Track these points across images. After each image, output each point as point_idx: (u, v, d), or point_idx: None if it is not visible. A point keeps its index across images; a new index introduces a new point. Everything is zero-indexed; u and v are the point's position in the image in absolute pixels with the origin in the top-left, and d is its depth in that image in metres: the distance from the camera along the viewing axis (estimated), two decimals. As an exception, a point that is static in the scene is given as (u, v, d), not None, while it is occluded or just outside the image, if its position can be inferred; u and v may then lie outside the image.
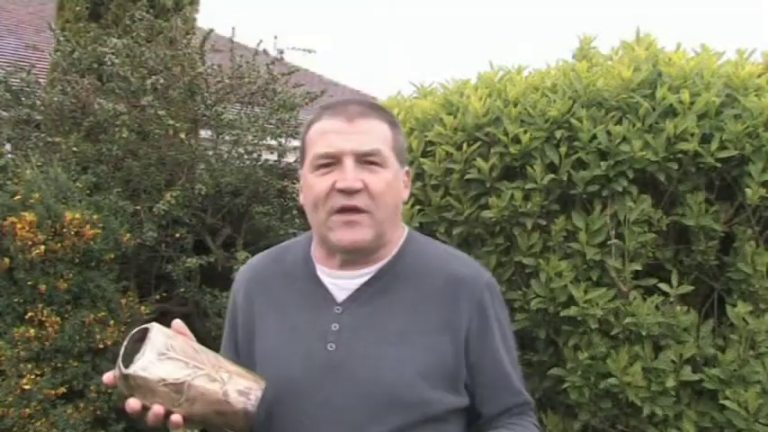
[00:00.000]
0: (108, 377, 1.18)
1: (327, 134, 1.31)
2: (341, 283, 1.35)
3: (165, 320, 1.28)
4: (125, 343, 1.18)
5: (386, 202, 1.31)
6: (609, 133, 2.39)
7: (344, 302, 1.33)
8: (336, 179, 1.28)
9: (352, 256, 1.34)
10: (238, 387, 1.18)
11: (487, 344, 1.34)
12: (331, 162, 1.29)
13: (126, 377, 1.13)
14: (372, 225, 1.30)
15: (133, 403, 1.15)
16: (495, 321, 1.36)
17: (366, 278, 1.35)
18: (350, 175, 1.27)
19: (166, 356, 1.14)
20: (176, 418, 1.15)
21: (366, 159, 1.29)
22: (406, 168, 1.41)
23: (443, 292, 1.32)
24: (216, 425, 1.20)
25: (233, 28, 5.82)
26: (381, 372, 1.27)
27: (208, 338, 5.08)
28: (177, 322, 1.23)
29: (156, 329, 1.17)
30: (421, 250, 1.39)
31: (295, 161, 5.90)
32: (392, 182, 1.32)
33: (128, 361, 1.14)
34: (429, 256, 1.38)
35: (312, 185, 1.31)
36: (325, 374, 1.29)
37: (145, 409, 1.15)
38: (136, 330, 1.19)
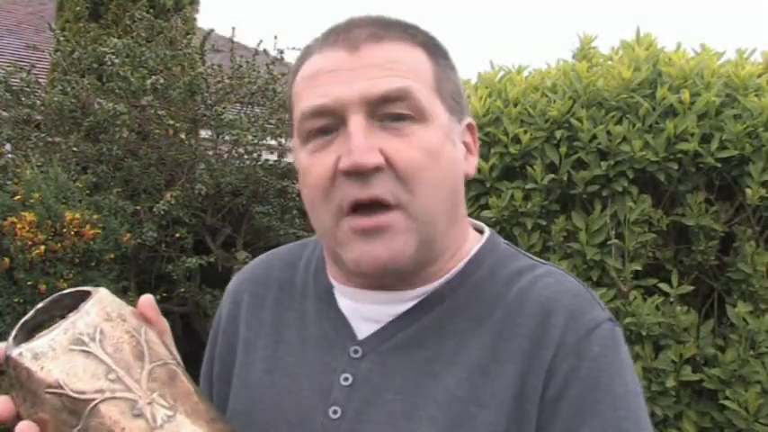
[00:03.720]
0: None
1: (318, 77, 0.78)
2: (366, 309, 0.83)
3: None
4: (39, 304, 0.74)
5: (430, 183, 0.77)
6: (609, 133, 2.39)
7: (368, 340, 0.82)
8: (341, 153, 0.75)
9: (379, 281, 0.82)
10: None
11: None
12: (328, 125, 0.77)
13: (7, 360, 0.69)
14: (412, 229, 0.76)
15: (1, 403, 0.69)
16: (604, 392, 0.75)
17: (408, 305, 0.82)
18: (357, 140, 0.74)
19: (84, 348, 0.68)
20: None
21: (386, 112, 0.76)
22: (468, 120, 0.85)
23: (525, 331, 0.78)
24: None
25: (233, 28, 5.84)
26: None
27: (207, 339, 5.08)
28: (146, 298, 0.75)
29: (97, 298, 0.71)
30: (500, 266, 0.84)
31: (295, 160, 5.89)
32: (439, 147, 0.78)
33: (28, 335, 0.70)
34: (510, 276, 0.82)
35: (305, 171, 0.80)
36: None
37: (19, 419, 0.69)
38: (71, 291, 0.75)
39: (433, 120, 0.78)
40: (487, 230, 0.89)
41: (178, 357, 0.74)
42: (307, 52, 0.83)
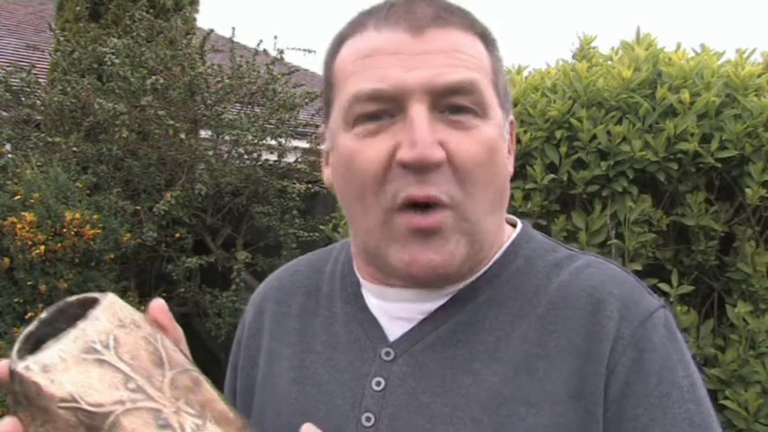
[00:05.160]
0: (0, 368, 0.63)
1: (376, 57, 0.72)
2: (396, 308, 0.79)
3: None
4: (43, 314, 0.66)
5: (484, 182, 0.73)
6: (609, 133, 2.39)
7: (399, 341, 0.77)
8: (400, 141, 0.70)
9: (426, 286, 0.77)
10: None
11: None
12: (383, 110, 0.72)
13: (12, 375, 0.61)
14: (462, 229, 0.72)
15: (6, 426, 0.61)
16: (669, 385, 0.71)
17: (440, 302, 0.77)
18: (422, 132, 0.69)
19: (97, 357, 0.61)
20: None
21: (449, 103, 0.71)
22: (511, 118, 0.82)
23: (574, 325, 0.73)
24: None
25: (233, 28, 5.85)
26: None
27: (207, 339, 5.08)
28: (157, 303, 0.68)
29: (107, 304, 0.64)
30: (537, 257, 0.80)
31: (295, 161, 5.90)
32: (496, 144, 0.74)
33: (32, 349, 0.63)
34: (549, 267, 0.78)
35: (352, 156, 0.73)
36: None
37: None
38: (76, 298, 0.67)
39: (492, 116, 0.74)
40: (520, 223, 0.85)
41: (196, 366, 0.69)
42: (356, 26, 0.76)
